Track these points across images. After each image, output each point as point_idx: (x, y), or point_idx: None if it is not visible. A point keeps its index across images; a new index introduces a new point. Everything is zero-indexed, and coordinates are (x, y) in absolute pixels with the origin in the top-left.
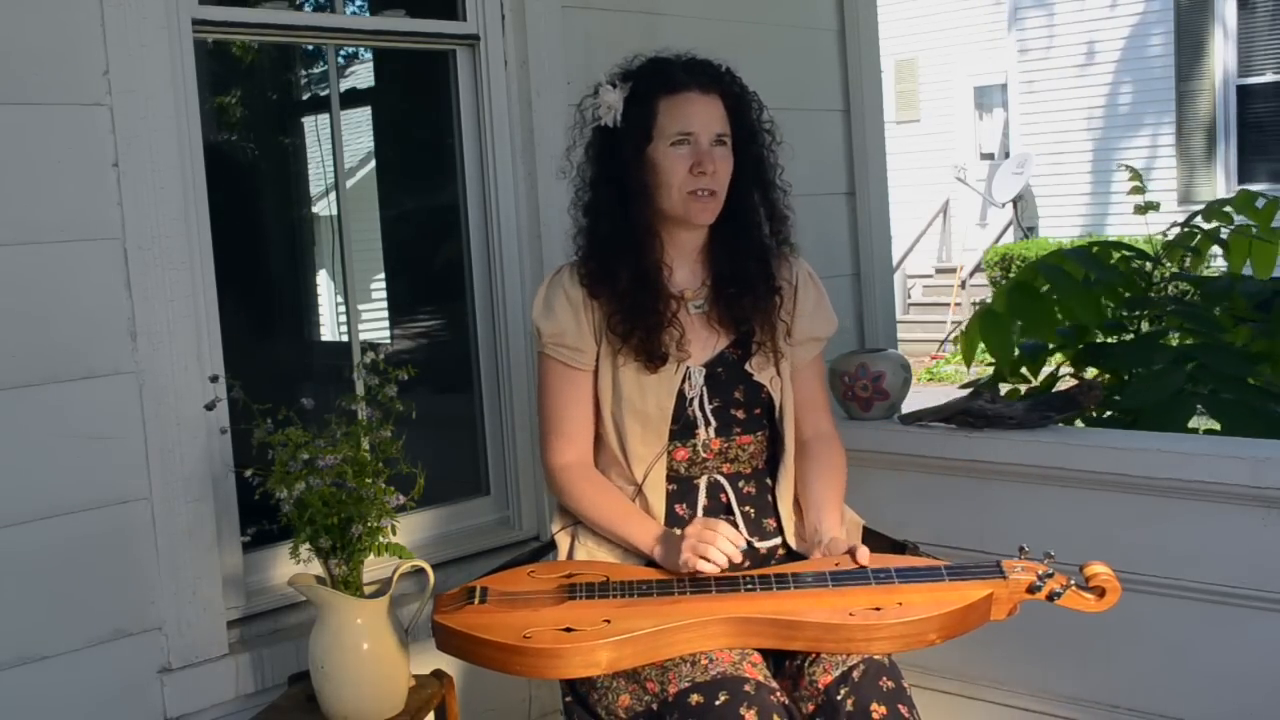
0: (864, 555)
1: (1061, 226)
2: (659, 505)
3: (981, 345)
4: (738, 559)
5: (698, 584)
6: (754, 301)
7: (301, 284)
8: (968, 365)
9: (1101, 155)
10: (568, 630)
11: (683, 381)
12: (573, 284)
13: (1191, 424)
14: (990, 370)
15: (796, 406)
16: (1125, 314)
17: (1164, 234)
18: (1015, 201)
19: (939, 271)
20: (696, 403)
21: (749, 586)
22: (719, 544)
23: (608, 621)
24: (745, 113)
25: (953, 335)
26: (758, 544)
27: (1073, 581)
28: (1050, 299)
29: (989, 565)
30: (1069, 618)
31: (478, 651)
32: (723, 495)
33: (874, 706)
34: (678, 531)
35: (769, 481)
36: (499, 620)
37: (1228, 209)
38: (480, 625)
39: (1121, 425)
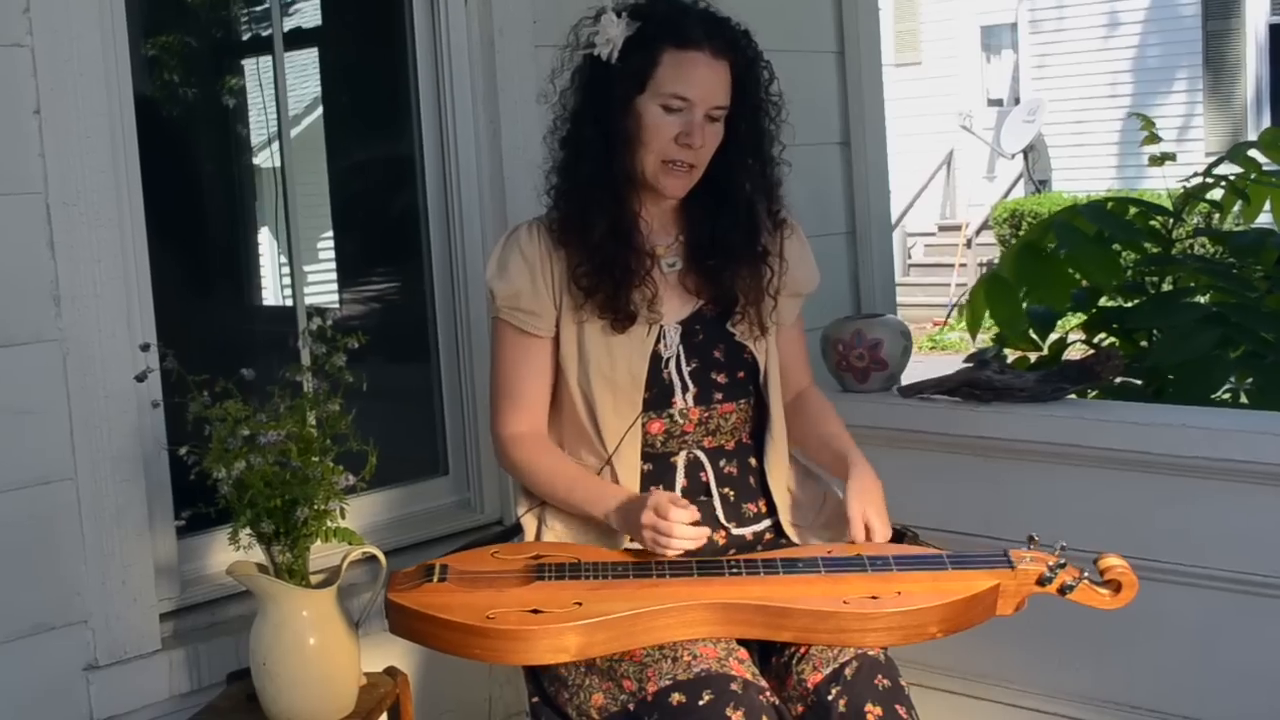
0: (879, 533)
1: (1078, 180)
2: (632, 486)
3: (988, 315)
4: (697, 545)
5: (677, 567)
6: (733, 275)
7: (241, 243)
8: (973, 337)
9: (1121, 101)
10: (534, 612)
11: (656, 342)
12: (530, 242)
13: (1225, 393)
14: (995, 336)
15: (780, 369)
16: (1145, 271)
17: (1184, 185)
18: (1026, 152)
19: (942, 229)
20: (673, 364)
21: (734, 571)
22: (676, 535)
23: (579, 604)
24: (753, 84)
25: (959, 302)
26: (736, 530)
27: (1086, 575)
28: (1062, 261)
29: (996, 554)
30: (1084, 610)
31: (435, 634)
32: (702, 474)
33: (868, 707)
34: (636, 493)
35: (753, 461)
36: (459, 600)
37: (1252, 152)
38: (439, 605)
39: (1141, 395)
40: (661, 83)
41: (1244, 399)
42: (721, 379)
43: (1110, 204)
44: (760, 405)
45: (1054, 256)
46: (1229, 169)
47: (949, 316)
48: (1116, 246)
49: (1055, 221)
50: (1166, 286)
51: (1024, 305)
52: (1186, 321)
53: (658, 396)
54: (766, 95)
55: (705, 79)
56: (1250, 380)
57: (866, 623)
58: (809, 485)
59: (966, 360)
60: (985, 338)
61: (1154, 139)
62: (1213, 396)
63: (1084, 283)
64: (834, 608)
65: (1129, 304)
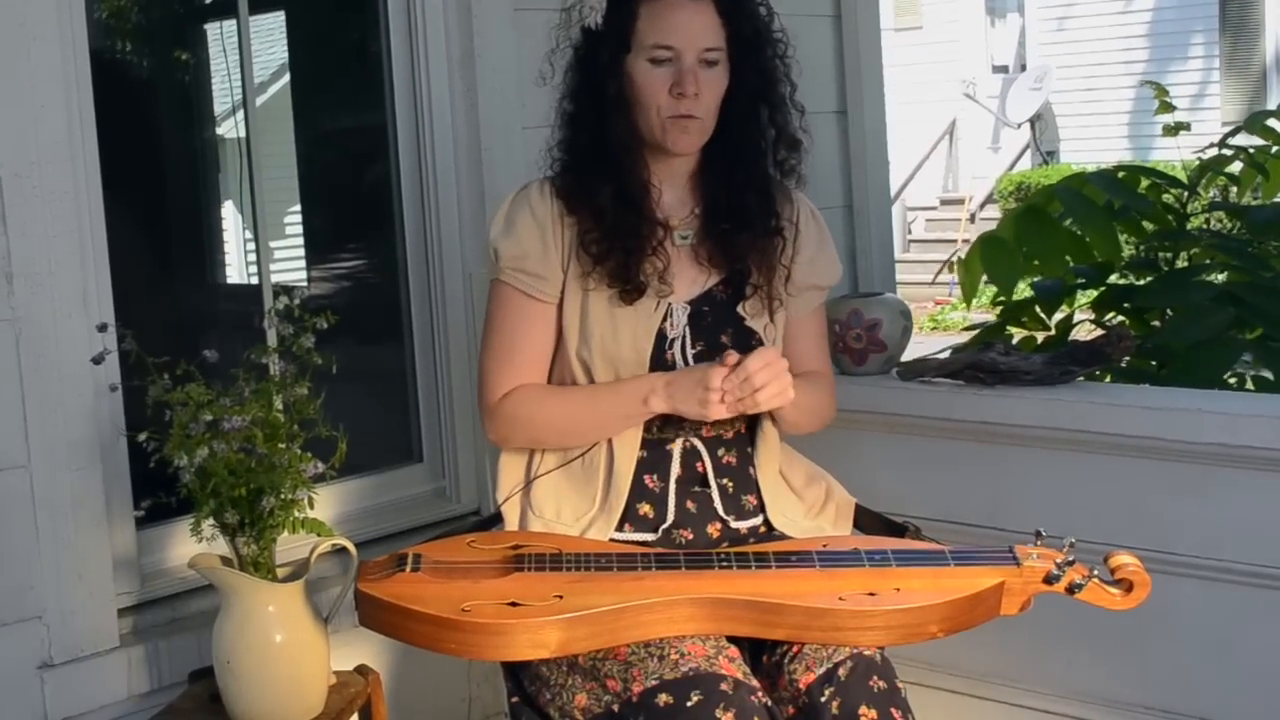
0: (732, 358)
1: (1088, 151)
2: (626, 468)
3: (985, 281)
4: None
5: (664, 560)
6: (751, 240)
7: (204, 218)
8: (967, 303)
9: (1134, 67)
10: (513, 605)
11: (663, 321)
12: (542, 200)
13: (1230, 377)
14: (999, 311)
15: (791, 358)
16: (1156, 246)
17: (1199, 156)
18: (1033, 121)
19: (944, 203)
20: (678, 345)
21: (724, 564)
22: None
23: (560, 597)
24: (746, 19)
25: (951, 262)
26: (734, 523)
27: (1095, 573)
28: (1065, 228)
29: (1000, 550)
30: (1094, 606)
31: (407, 627)
32: (699, 464)
33: (862, 710)
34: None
35: (750, 450)
36: (433, 591)
37: (1271, 122)
38: (411, 596)
39: (1149, 376)
40: (644, 36)
41: (1249, 385)
42: None
43: (1121, 174)
44: None
45: (1057, 223)
46: (1247, 139)
47: (942, 270)
48: (1117, 225)
49: (1061, 189)
50: (1180, 264)
51: (1022, 269)
52: (1199, 301)
53: None
54: (766, 31)
55: (686, 23)
56: (1260, 365)
57: (863, 621)
58: (812, 482)
59: (967, 330)
60: (990, 312)
61: (1167, 108)
62: (1223, 379)
63: (1073, 260)
64: (829, 605)
65: (1140, 281)
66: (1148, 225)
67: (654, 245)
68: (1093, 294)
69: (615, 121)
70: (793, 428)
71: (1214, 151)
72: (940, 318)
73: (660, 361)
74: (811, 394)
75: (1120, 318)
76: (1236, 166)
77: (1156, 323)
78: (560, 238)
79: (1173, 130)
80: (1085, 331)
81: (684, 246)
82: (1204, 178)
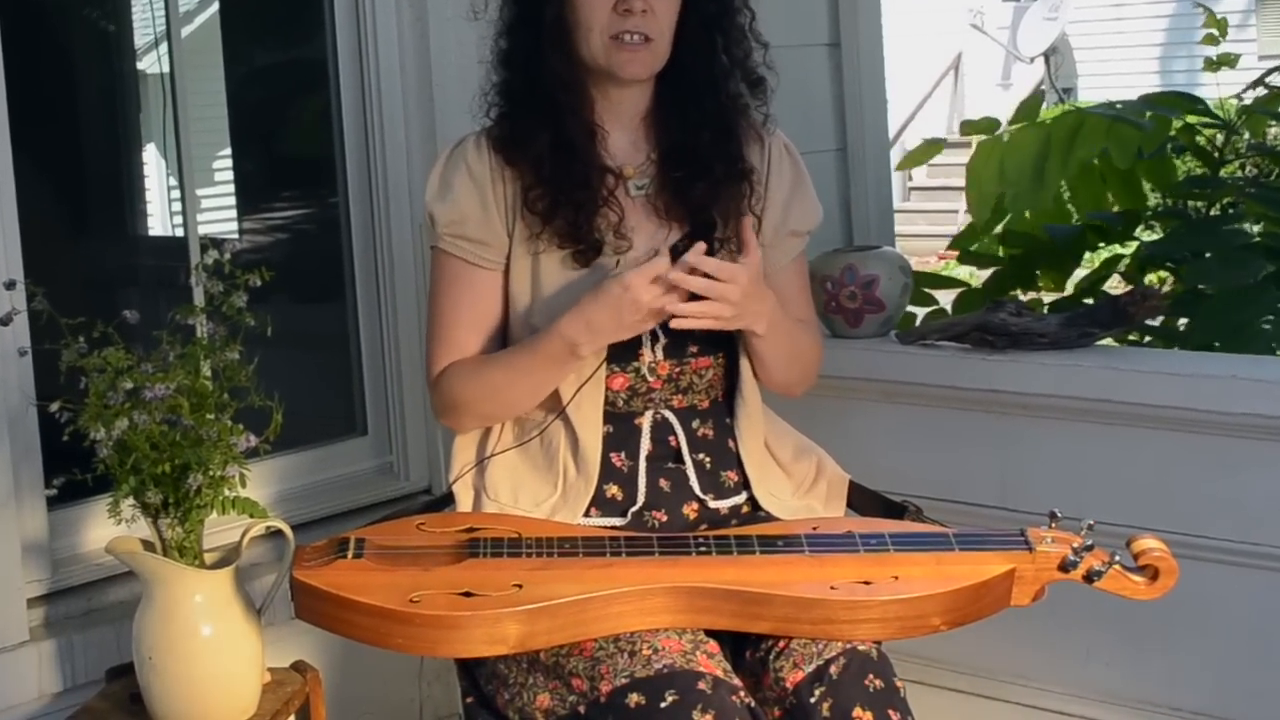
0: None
1: (1109, 88)
2: (593, 450)
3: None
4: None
5: (635, 545)
6: (711, 188)
7: (124, 162)
8: (977, 222)
9: None
10: (467, 595)
11: None
12: (479, 156)
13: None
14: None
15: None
16: (1186, 194)
17: (1239, 96)
18: (1047, 55)
19: (949, 146)
20: None
21: (702, 549)
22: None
23: (519, 586)
24: None
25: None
26: (713, 503)
27: (1117, 558)
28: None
29: (1011, 534)
30: (1115, 596)
31: (349, 620)
32: (671, 439)
33: (857, 711)
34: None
35: (729, 420)
36: (378, 580)
37: None
38: (353, 585)
39: (1173, 333)
40: None
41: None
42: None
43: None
44: (737, 358)
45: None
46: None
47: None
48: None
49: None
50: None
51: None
52: (1232, 247)
53: (622, 347)
54: None
55: None
56: None
57: (857, 612)
58: (801, 456)
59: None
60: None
61: (1213, 40)
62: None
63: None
64: (819, 594)
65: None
66: (1188, 164)
67: (605, 196)
68: (1112, 249)
69: (552, 53)
70: (774, 373)
71: (1253, 92)
72: (945, 273)
73: None
74: (793, 341)
75: (1162, 274)
76: None
77: (1201, 286)
78: (502, 196)
79: (1214, 65)
80: (1110, 286)
81: (640, 197)
82: (1249, 121)
